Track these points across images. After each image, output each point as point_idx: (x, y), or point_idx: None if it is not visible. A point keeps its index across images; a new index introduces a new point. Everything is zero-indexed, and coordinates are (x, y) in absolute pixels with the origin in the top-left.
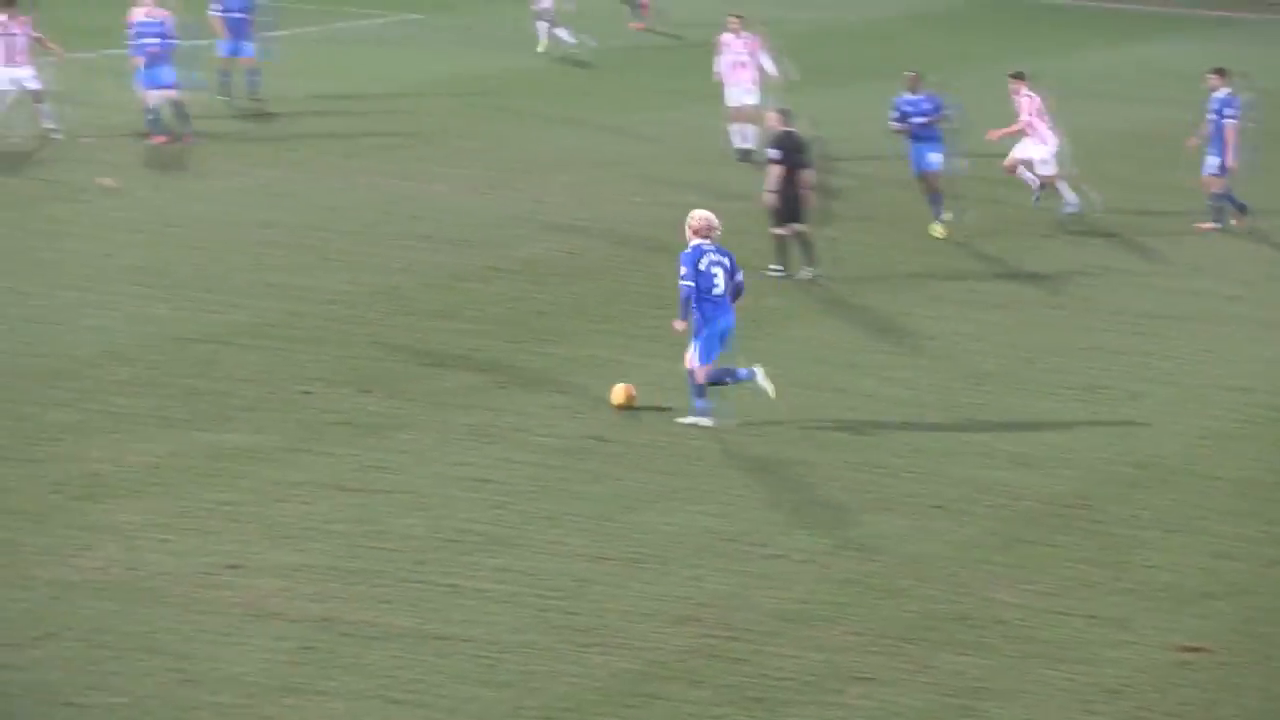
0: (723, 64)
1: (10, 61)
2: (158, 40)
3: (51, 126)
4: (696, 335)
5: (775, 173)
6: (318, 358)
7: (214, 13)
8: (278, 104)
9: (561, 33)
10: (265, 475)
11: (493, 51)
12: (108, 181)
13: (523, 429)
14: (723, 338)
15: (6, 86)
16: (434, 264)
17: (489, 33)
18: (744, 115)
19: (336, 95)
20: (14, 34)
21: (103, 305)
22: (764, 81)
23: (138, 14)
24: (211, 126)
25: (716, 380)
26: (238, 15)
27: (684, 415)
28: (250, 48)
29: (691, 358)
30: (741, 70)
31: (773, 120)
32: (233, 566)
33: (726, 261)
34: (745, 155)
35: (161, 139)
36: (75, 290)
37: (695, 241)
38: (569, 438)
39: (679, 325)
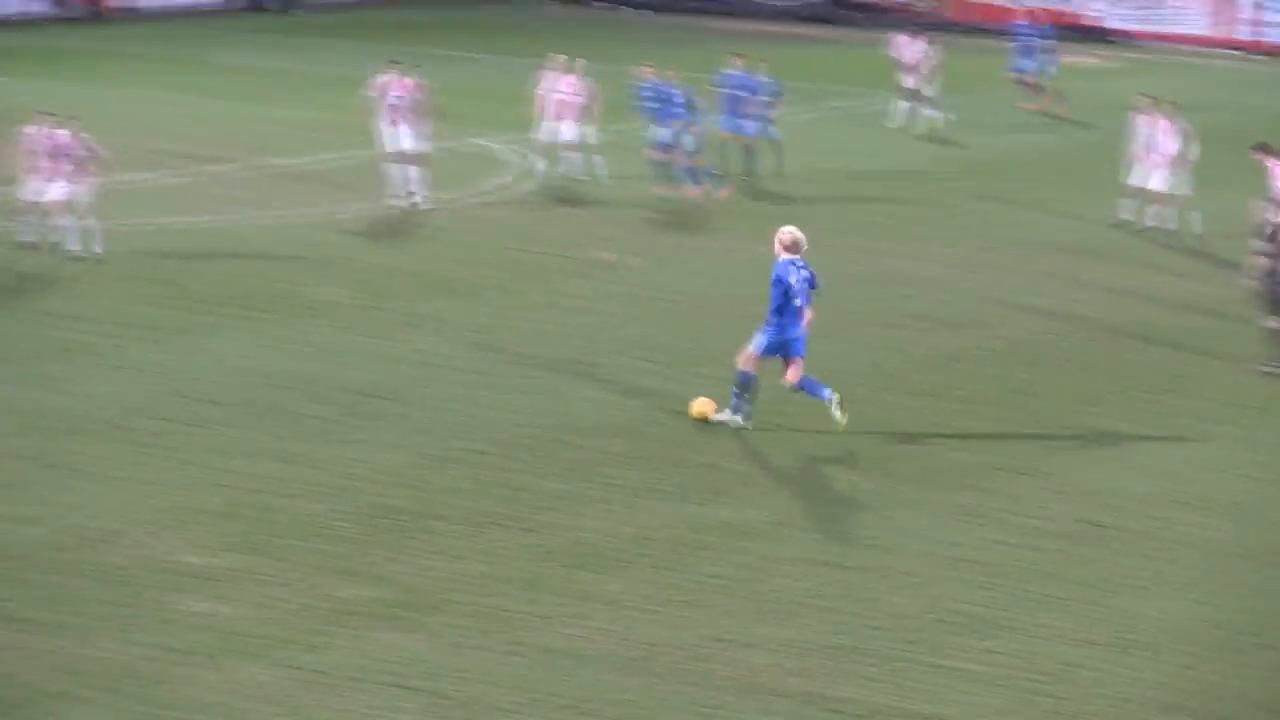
0: (1136, 145)
1: (392, 122)
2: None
3: (413, 191)
4: (765, 334)
5: (1260, 264)
6: (814, 436)
7: (716, 89)
8: (774, 181)
9: (928, 109)
10: (755, 550)
11: (983, 132)
12: (605, 255)
13: (1013, 510)
14: (785, 346)
15: (396, 146)
16: (925, 343)
17: (980, 115)
18: (1148, 197)
19: (830, 172)
20: (399, 95)
21: (600, 377)
22: (1174, 163)
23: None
24: (709, 202)
25: (802, 387)
26: (738, 93)
27: (721, 413)
28: (751, 125)
29: (751, 346)
30: (1151, 152)
31: (1264, 210)
32: (721, 640)
33: (810, 276)
34: (1123, 224)
35: (696, 190)
36: (574, 361)
37: (785, 257)
38: (1058, 520)
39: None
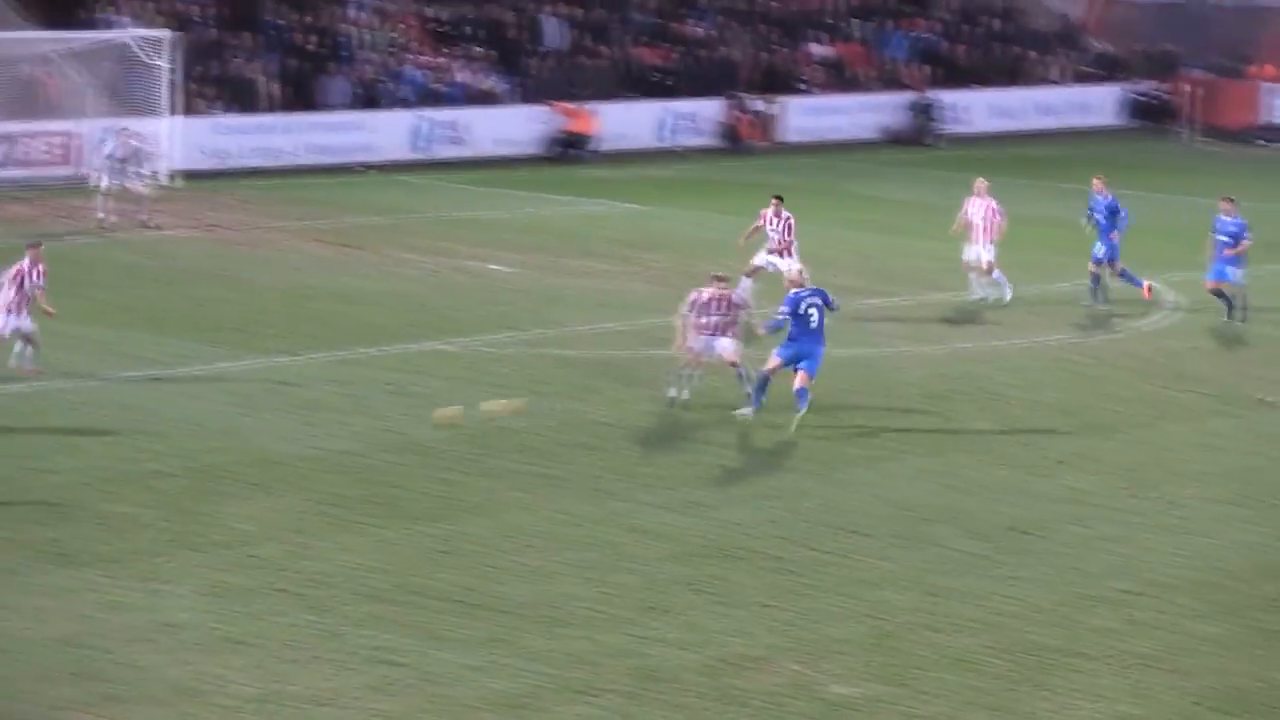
0: None
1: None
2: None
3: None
4: (784, 347)
5: None
6: None
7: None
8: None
9: None
10: None
11: None
12: (1266, 398)
13: None
14: (799, 358)
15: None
16: None
17: None
18: None
19: None
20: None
21: (1255, 521)
22: None
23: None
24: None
25: (798, 394)
26: (1225, 240)
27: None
28: (1235, 274)
29: (772, 357)
30: None
31: None
32: None
33: (819, 300)
34: None
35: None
36: (1228, 504)
37: (793, 291)
38: None
39: (761, 331)
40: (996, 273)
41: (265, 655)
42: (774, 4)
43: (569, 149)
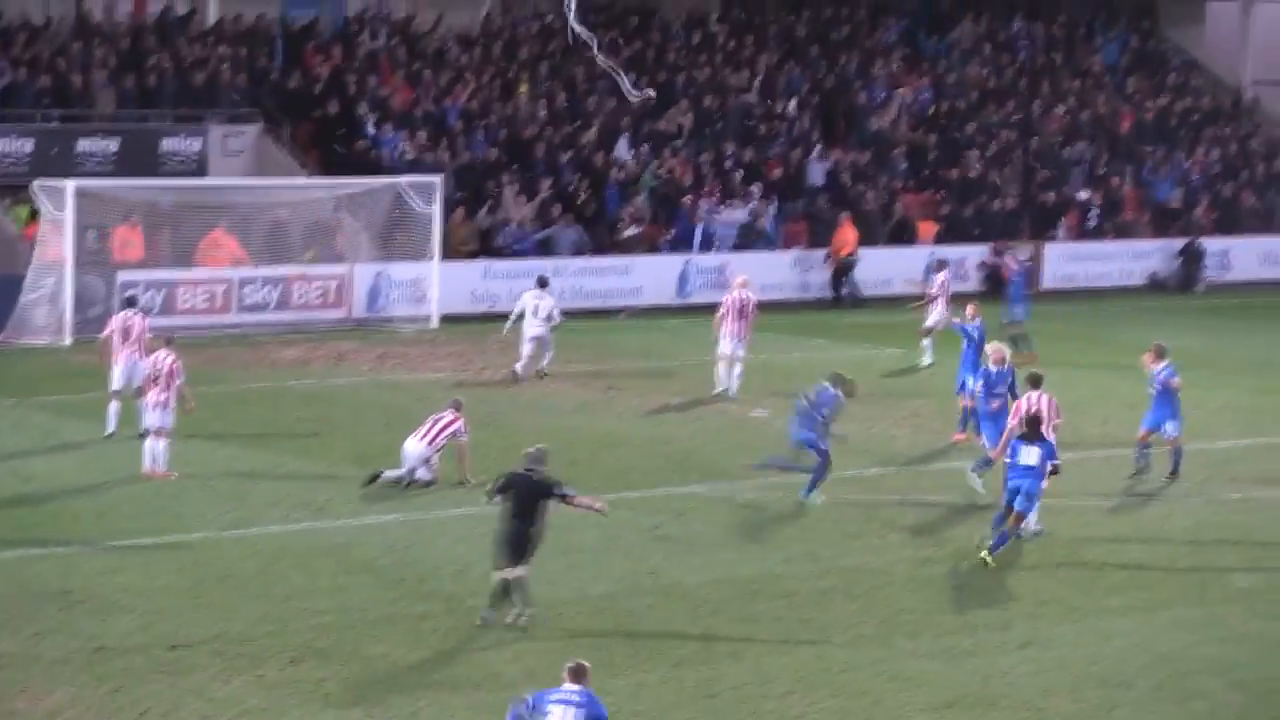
0: None
1: None
2: None
3: None
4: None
5: None
6: None
7: None
8: None
9: None
10: None
11: None
12: None
13: None
14: None
15: None
16: None
17: None
18: None
19: None
20: None
21: None
22: None
23: None
24: None
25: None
26: None
27: None
28: None
29: None
30: None
31: None
32: None
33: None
34: None
35: None
36: None
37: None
38: None
39: None
40: None
41: None
42: (1034, 145)
43: (842, 277)
